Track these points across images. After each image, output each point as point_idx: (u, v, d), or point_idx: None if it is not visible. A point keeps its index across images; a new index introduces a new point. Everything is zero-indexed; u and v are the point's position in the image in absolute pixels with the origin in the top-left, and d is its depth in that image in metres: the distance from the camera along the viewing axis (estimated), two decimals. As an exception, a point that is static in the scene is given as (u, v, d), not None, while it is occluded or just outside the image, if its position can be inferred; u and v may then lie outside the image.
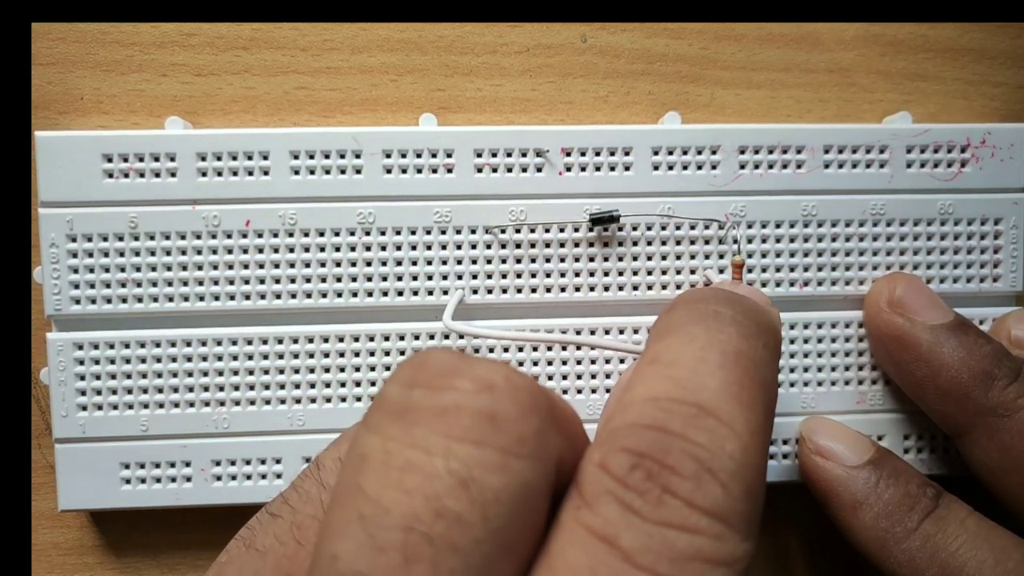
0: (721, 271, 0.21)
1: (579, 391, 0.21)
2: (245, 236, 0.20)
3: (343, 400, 0.21)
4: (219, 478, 0.20)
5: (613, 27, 0.22)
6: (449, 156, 0.20)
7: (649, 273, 0.21)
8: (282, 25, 0.21)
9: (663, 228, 0.21)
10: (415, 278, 0.21)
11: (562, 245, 0.21)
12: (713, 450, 0.11)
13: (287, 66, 0.22)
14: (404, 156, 0.20)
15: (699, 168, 0.21)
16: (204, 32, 0.21)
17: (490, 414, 0.11)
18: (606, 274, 0.21)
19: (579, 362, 0.21)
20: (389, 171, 0.20)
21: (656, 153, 0.21)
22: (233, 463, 0.21)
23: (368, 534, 0.10)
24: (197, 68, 0.21)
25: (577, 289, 0.21)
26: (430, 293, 0.21)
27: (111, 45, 0.21)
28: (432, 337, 0.21)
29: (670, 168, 0.21)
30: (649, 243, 0.21)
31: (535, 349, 0.21)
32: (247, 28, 0.21)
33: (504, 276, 0.21)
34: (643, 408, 0.12)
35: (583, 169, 0.21)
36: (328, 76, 0.22)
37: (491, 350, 0.21)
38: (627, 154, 0.21)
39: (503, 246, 0.21)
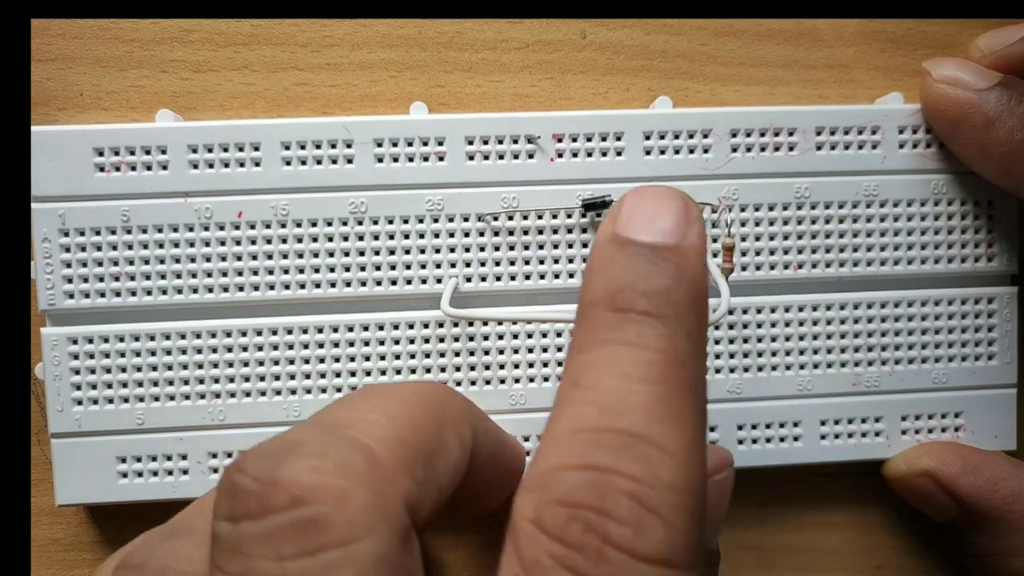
0: (715, 255, 0.21)
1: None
2: (237, 228, 0.20)
3: (338, 390, 0.21)
4: (216, 470, 0.20)
5: (612, 23, 0.22)
6: (440, 144, 0.20)
7: (643, 258, 0.21)
8: (281, 21, 0.21)
9: (656, 213, 0.21)
10: (408, 267, 0.21)
11: (555, 231, 0.21)
12: (650, 483, 0.11)
13: (286, 62, 0.21)
14: (395, 145, 0.20)
15: (691, 152, 0.21)
16: (203, 28, 0.21)
17: (311, 520, 0.11)
18: (599, 260, 0.21)
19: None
20: (381, 160, 0.20)
21: (648, 138, 0.21)
22: (230, 455, 0.21)
23: None
24: (196, 64, 0.21)
25: (571, 275, 0.21)
26: (424, 282, 0.21)
27: (110, 41, 0.21)
28: (427, 325, 0.21)
29: (662, 152, 0.21)
30: (642, 228, 0.21)
31: (535, 335, 0.21)
32: (246, 24, 0.21)
33: (497, 263, 0.21)
34: (571, 445, 0.12)
35: (575, 155, 0.21)
36: (327, 72, 0.22)
37: (486, 338, 0.21)
38: (619, 139, 0.21)
39: (496, 233, 0.21)
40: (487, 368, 0.21)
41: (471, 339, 0.21)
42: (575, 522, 0.11)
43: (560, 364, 0.21)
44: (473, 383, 0.21)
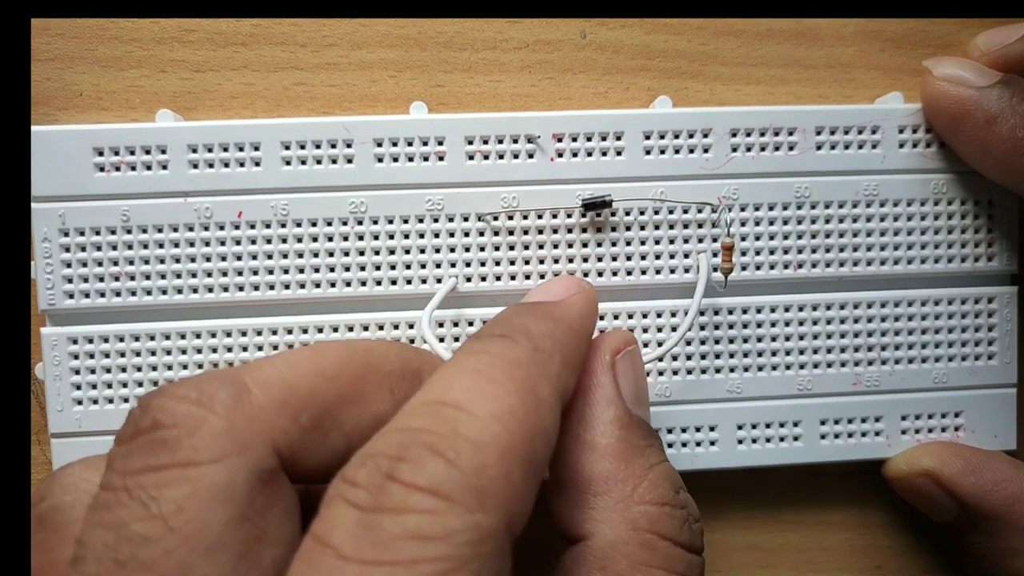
0: (715, 254, 0.21)
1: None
2: (237, 227, 0.20)
3: (339, 390, 0.21)
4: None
5: (612, 23, 0.22)
6: (440, 144, 0.20)
7: (642, 258, 0.21)
8: (281, 21, 0.21)
9: (656, 212, 0.21)
10: (408, 267, 0.21)
11: (555, 231, 0.21)
12: (444, 433, 0.12)
13: (286, 62, 0.21)
14: (395, 145, 0.20)
15: (691, 152, 0.21)
16: (203, 28, 0.21)
17: (160, 440, 0.12)
18: (599, 259, 0.21)
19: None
20: (380, 160, 0.20)
21: (648, 137, 0.21)
22: (230, 455, 0.21)
23: (78, 572, 0.11)
24: (196, 64, 0.21)
25: (570, 275, 0.21)
26: (423, 282, 0.21)
27: (110, 41, 0.21)
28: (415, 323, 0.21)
29: (662, 152, 0.21)
30: (642, 228, 0.21)
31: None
32: (246, 24, 0.21)
33: (497, 263, 0.21)
34: (394, 418, 0.12)
35: (575, 155, 0.21)
36: (327, 72, 0.22)
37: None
38: (619, 139, 0.21)
39: (496, 233, 0.21)
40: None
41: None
42: (365, 466, 0.11)
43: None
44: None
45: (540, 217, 0.21)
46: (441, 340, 0.21)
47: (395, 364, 0.14)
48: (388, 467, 0.11)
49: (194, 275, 0.20)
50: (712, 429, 0.21)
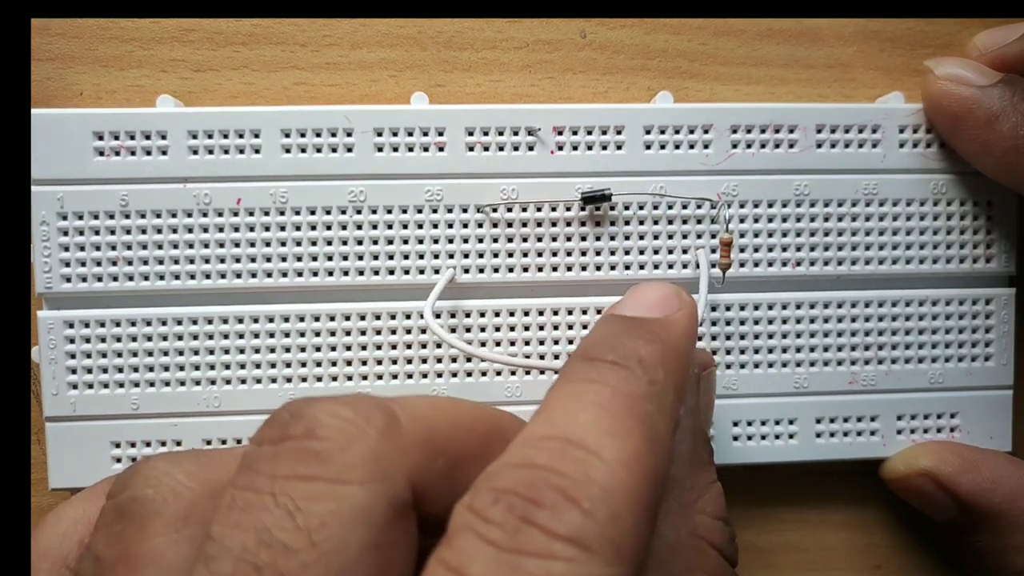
0: (713, 250, 0.21)
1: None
2: (236, 214, 0.20)
3: (334, 379, 0.21)
4: (210, 457, 0.20)
5: (612, 23, 0.22)
6: (440, 135, 0.20)
7: (641, 252, 0.21)
8: (281, 21, 0.21)
9: (655, 207, 0.21)
10: (406, 257, 0.21)
11: (554, 224, 0.21)
12: (577, 478, 0.12)
13: (286, 62, 0.21)
14: (395, 135, 0.20)
15: (691, 147, 0.21)
16: (203, 27, 0.21)
17: (314, 452, 0.12)
18: (598, 253, 0.21)
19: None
20: (380, 149, 0.20)
21: (648, 132, 0.21)
22: (224, 442, 0.21)
23: (209, 570, 0.11)
24: (196, 64, 0.21)
25: (569, 268, 0.21)
26: (421, 272, 0.21)
27: (110, 41, 0.21)
28: (422, 316, 0.21)
29: (662, 147, 0.21)
30: (641, 222, 0.21)
31: (532, 328, 0.21)
32: (246, 23, 0.21)
33: (496, 255, 0.21)
34: (516, 449, 0.12)
35: (575, 148, 0.21)
36: (327, 72, 0.22)
37: (483, 329, 0.21)
38: (619, 133, 0.21)
39: (495, 225, 0.21)
40: (483, 361, 0.21)
41: (468, 330, 0.21)
42: (499, 503, 0.11)
43: (556, 356, 0.21)
44: (469, 374, 0.21)
45: (539, 210, 0.21)
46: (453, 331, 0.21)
47: (517, 431, 0.14)
48: (523, 510, 0.11)
49: (192, 261, 0.20)
50: (708, 425, 0.21)
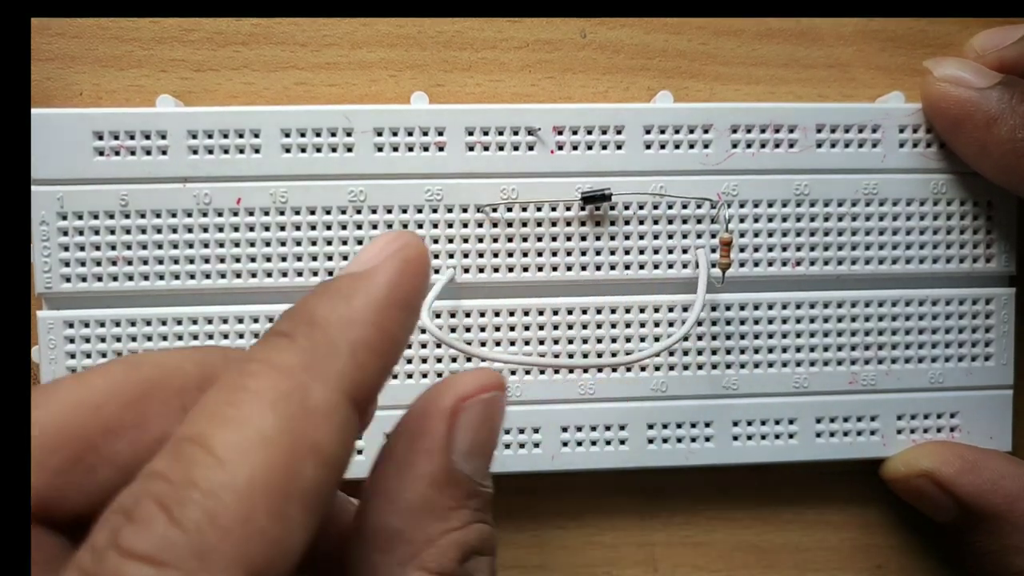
0: (713, 250, 0.21)
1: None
2: (236, 214, 0.20)
3: (334, 379, 0.21)
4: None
5: (612, 22, 0.22)
6: (440, 134, 0.20)
7: (641, 252, 0.21)
8: (281, 20, 0.21)
9: (655, 207, 0.21)
10: (406, 257, 0.21)
11: (554, 224, 0.21)
12: (177, 480, 0.10)
13: (286, 61, 0.21)
14: (395, 134, 0.20)
15: (691, 147, 0.21)
16: (203, 27, 0.21)
17: None
18: (598, 253, 0.21)
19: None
20: (380, 149, 0.20)
21: (648, 132, 0.21)
22: (224, 442, 0.20)
23: None
24: (196, 63, 0.21)
25: (569, 268, 0.21)
26: (421, 272, 0.21)
27: (110, 40, 0.21)
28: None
29: (662, 147, 0.21)
30: (641, 222, 0.21)
31: (532, 327, 0.21)
32: (246, 23, 0.21)
33: (496, 255, 0.21)
34: (157, 455, 0.11)
35: (575, 148, 0.21)
36: (327, 72, 0.22)
37: (483, 329, 0.21)
38: (619, 133, 0.21)
39: (495, 225, 0.21)
40: (483, 361, 0.21)
41: (468, 330, 0.21)
42: (104, 526, 0.10)
43: (556, 355, 0.21)
44: (469, 374, 0.21)
45: (539, 209, 0.21)
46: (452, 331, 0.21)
47: (191, 376, 0.13)
48: (116, 529, 0.10)
49: (192, 261, 0.20)
50: (707, 425, 0.21)
